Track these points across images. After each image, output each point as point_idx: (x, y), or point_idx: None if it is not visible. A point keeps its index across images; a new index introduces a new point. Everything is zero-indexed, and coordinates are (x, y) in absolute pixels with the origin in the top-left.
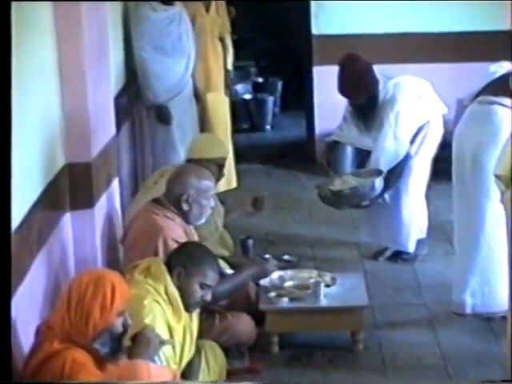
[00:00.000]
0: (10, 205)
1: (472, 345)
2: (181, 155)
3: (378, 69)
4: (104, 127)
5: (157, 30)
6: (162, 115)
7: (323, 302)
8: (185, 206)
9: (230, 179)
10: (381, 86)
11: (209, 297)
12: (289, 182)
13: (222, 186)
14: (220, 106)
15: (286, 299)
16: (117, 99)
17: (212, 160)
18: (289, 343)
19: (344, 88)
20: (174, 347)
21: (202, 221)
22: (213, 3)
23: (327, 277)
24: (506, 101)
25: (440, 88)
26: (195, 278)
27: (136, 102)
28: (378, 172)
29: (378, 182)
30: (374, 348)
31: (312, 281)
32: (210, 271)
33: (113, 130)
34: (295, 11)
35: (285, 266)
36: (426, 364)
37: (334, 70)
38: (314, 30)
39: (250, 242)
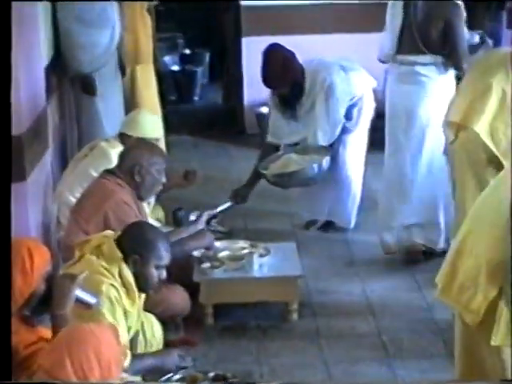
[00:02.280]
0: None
1: (407, 312)
2: (105, 128)
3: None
4: (35, 99)
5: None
6: (87, 85)
7: (257, 272)
8: (137, 178)
9: None
10: (305, 71)
11: (164, 275)
12: (218, 153)
13: None
14: (150, 79)
15: (219, 270)
16: (47, 71)
17: (146, 139)
18: (223, 314)
19: (268, 79)
20: (118, 322)
21: (152, 197)
22: None
23: (260, 247)
24: (424, 58)
25: (370, 58)
26: (151, 263)
27: (64, 73)
28: (322, 148)
29: (325, 162)
30: (308, 318)
31: (245, 251)
32: (164, 252)
33: (43, 102)
34: None
35: (217, 237)
36: (360, 333)
37: (262, 40)
38: (243, 1)
39: (182, 213)
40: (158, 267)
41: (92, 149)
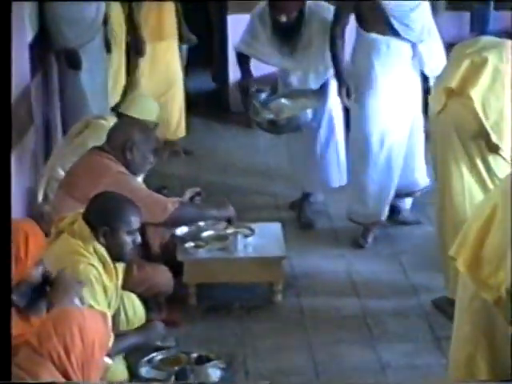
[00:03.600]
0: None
1: (392, 295)
2: (90, 104)
3: None
4: (19, 75)
5: None
6: (72, 60)
7: (241, 252)
8: (128, 155)
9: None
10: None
11: (139, 239)
12: (203, 132)
13: (172, 134)
14: (172, 54)
15: (203, 250)
16: (31, 47)
17: (144, 121)
18: (207, 295)
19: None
20: (98, 303)
21: (142, 174)
22: None
23: (245, 227)
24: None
25: None
26: (122, 230)
27: (49, 49)
28: (312, 92)
29: (316, 108)
30: (292, 299)
31: (230, 231)
32: (132, 217)
33: (27, 79)
34: None
35: None
36: (345, 315)
37: (247, 18)
38: None
39: (165, 191)
40: (129, 233)
41: (87, 125)
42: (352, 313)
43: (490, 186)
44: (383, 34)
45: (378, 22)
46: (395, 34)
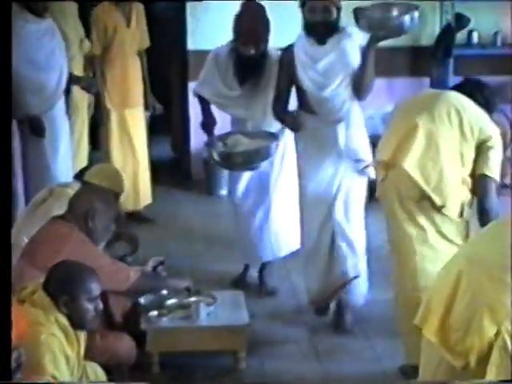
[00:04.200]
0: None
1: (355, 361)
2: (53, 171)
3: None
4: None
5: (29, 42)
6: (35, 127)
7: (204, 321)
8: (90, 223)
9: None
10: None
11: (100, 306)
12: (164, 199)
13: (137, 203)
14: (139, 122)
15: (166, 318)
16: None
17: (109, 190)
18: (170, 363)
19: (255, 29)
20: (61, 373)
21: (103, 243)
22: (133, 18)
23: (207, 295)
24: None
25: None
26: (82, 298)
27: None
28: (269, 134)
29: (273, 148)
30: (256, 366)
31: (192, 299)
32: (92, 284)
33: None
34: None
35: None
36: (308, 382)
37: None
38: (191, 46)
39: (128, 259)
40: (90, 300)
41: (51, 193)
42: (315, 380)
43: (442, 248)
44: (305, 110)
45: (301, 99)
46: (313, 111)
